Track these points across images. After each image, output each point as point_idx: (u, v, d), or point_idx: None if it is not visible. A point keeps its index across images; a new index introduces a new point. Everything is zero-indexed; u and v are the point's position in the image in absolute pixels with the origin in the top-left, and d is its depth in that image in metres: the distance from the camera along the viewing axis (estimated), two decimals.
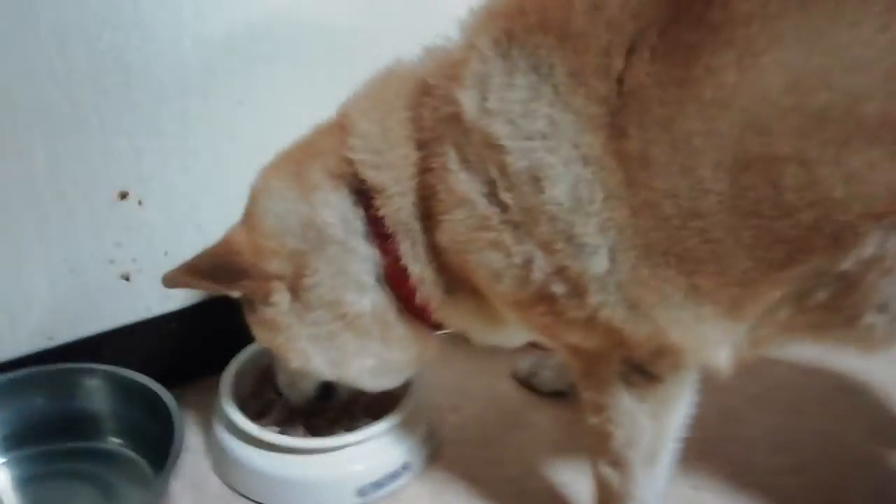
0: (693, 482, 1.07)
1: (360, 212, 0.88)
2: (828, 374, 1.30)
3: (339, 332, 0.93)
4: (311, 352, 0.95)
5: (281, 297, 0.93)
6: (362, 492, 1.05)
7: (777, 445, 1.14)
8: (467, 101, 0.76)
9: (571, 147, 0.72)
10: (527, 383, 1.30)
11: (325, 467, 1.04)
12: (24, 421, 1.10)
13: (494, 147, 0.75)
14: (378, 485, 1.06)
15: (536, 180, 0.73)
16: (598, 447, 0.89)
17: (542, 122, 0.72)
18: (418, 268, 0.87)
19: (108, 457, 1.12)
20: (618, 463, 0.87)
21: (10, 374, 1.09)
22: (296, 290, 0.92)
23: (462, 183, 0.78)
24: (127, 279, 1.18)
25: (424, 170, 0.82)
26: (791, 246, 0.68)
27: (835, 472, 1.09)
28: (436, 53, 0.87)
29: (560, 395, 1.27)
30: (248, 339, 1.04)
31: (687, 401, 0.87)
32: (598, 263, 0.73)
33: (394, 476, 1.07)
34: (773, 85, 0.64)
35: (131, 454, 1.11)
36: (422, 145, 0.83)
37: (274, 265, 0.91)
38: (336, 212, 0.89)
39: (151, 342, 1.21)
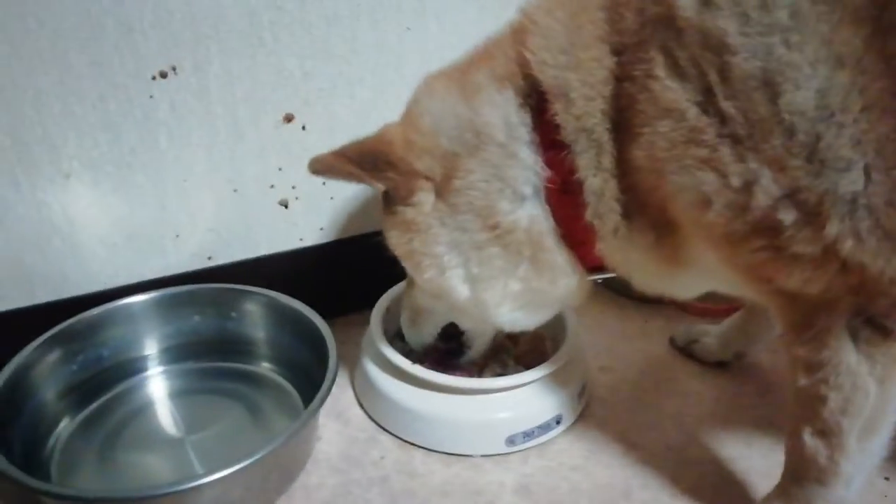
0: (888, 472, 0.95)
1: (527, 117, 0.80)
2: None
3: (485, 243, 0.86)
4: (449, 261, 0.88)
5: (424, 196, 0.87)
6: (511, 440, 0.99)
7: None
8: None
9: (821, 44, 0.61)
10: (686, 350, 1.21)
11: (475, 410, 1.00)
12: (183, 336, 1.12)
13: (717, 47, 0.65)
14: (528, 434, 1.00)
15: (771, 84, 0.63)
16: (805, 413, 0.78)
17: (784, 12, 0.62)
18: (598, 181, 0.78)
19: (259, 380, 1.12)
20: (828, 432, 0.76)
21: (172, 290, 1.11)
22: (443, 193, 0.86)
23: (670, 91, 0.68)
24: (285, 206, 1.17)
25: (623, 77, 0.73)
26: None
27: None
28: None
29: (723, 366, 1.17)
30: (399, 275, 1.00)
31: None
32: (851, 181, 0.63)
33: (544, 428, 1.01)
34: None
35: (282, 380, 1.11)
36: (619, 50, 0.73)
37: (424, 162, 0.85)
38: (499, 112, 0.81)
39: (303, 272, 1.21)
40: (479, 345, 1.06)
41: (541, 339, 1.14)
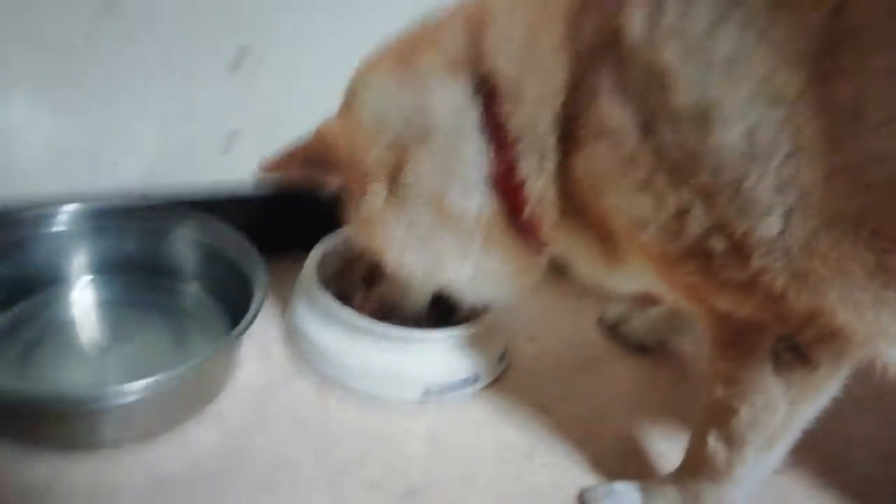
0: (779, 467, 0.98)
1: (478, 106, 0.81)
2: None
3: (438, 230, 0.87)
4: (406, 250, 0.90)
5: (378, 190, 0.87)
6: (427, 391, 1.02)
7: (882, 456, 1.04)
8: (635, 19, 0.66)
9: (758, 83, 0.61)
10: (612, 331, 1.24)
11: (395, 357, 1.01)
12: (117, 250, 1.12)
13: (659, 74, 0.65)
14: (444, 388, 1.02)
15: (704, 118, 0.63)
16: (714, 419, 0.80)
17: (727, 47, 0.62)
18: (540, 184, 0.79)
19: (188, 298, 1.13)
20: (732, 440, 0.79)
21: (109, 203, 1.11)
22: (394, 183, 0.86)
23: (614, 110, 0.68)
24: (230, 142, 1.17)
25: (574, 87, 0.73)
26: None
27: None
28: None
29: (644, 350, 1.21)
30: (340, 221, 1.01)
31: (832, 392, 0.77)
32: (768, 225, 0.63)
33: (460, 384, 1.04)
34: None
35: (210, 301, 1.12)
36: (575, 61, 0.74)
37: (371, 156, 0.85)
38: (449, 101, 0.81)
39: (245, 211, 1.20)
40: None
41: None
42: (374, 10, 1.13)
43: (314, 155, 0.88)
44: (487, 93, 0.79)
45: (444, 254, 0.89)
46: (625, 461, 0.99)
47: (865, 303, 0.64)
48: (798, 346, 0.72)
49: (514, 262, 0.90)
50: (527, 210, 0.82)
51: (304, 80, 1.16)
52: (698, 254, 0.69)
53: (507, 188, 0.82)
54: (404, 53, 0.86)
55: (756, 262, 0.65)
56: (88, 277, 1.12)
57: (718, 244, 0.67)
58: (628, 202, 0.71)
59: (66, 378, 0.96)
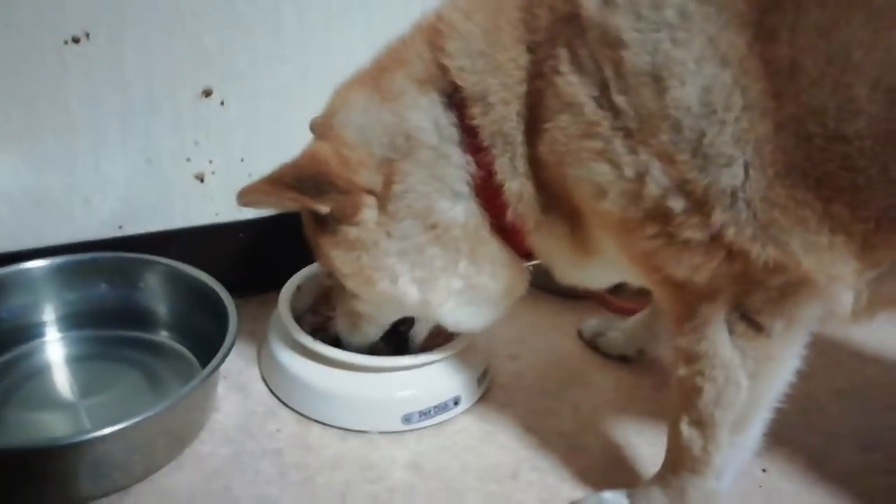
0: (765, 464, 0.98)
1: (454, 117, 0.82)
2: None
3: (427, 244, 0.86)
4: (399, 270, 0.88)
5: (370, 212, 0.86)
6: (408, 418, 1.01)
7: (865, 445, 1.04)
8: None
9: (706, 43, 0.64)
10: (592, 343, 1.24)
11: (372, 387, 1.01)
12: (85, 304, 1.12)
13: (612, 42, 0.68)
14: (424, 413, 1.02)
15: (659, 80, 0.66)
16: (683, 403, 0.81)
17: (672, 11, 0.65)
18: (516, 184, 0.81)
19: (160, 349, 1.13)
20: (702, 423, 0.79)
21: (78, 256, 1.11)
22: (384, 202, 0.86)
23: (571, 86, 0.71)
24: (201, 180, 1.18)
25: (534, 75, 0.75)
26: None
27: None
28: None
29: (625, 360, 1.21)
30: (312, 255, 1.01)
31: (791, 366, 0.78)
32: (731, 176, 0.66)
33: (441, 408, 1.03)
34: None
35: (183, 349, 1.12)
36: (533, 48, 0.76)
37: (363, 176, 0.84)
38: (426, 116, 0.82)
39: (217, 247, 1.21)
40: (420, 338, 1.07)
41: None
42: (333, 33, 1.17)
43: (306, 176, 0.84)
44: (458, 103, 0.81)
45: (434, 270, 0.88)
46: (612, 471, 0.98)
47: (822, 246, 0.67)
48: (751, 313, 0.74)
49: (502, 273, 0.90)
50: (509, 213, 0.83)
51: (268, 112, 1.18)
52: (658, 215, 0.71)
53: (488, 194, 0.83)
54: (376, 72, 0.87)
55: (718, 217, 0.68)
56: (59, 334, 1.11)
57: (678, 203, 0.69)
58: (588, 172, 0.73)
59: (40, 432, 0.95)
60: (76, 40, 1.01)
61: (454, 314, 0.94)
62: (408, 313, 1.00)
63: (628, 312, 1.29)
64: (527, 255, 0.90)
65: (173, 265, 1.11)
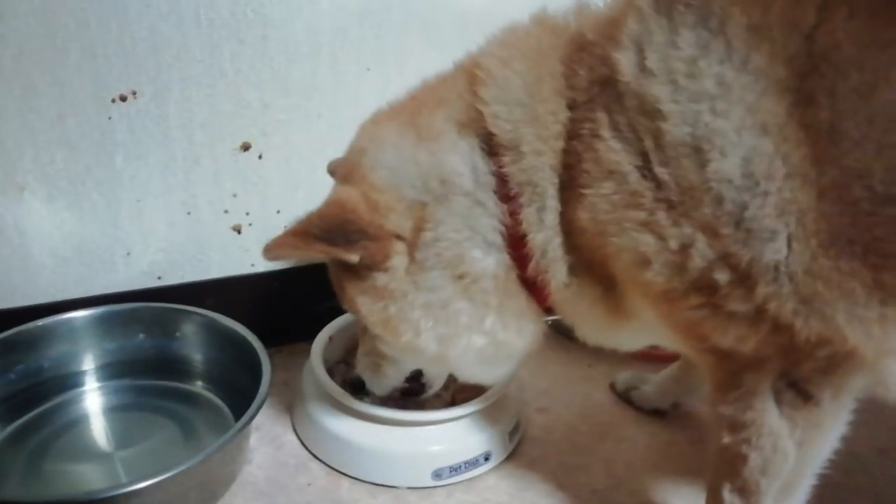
0: None
1: (490, 164, 0.79)
2: None
3: (451, 299, 0.83)
4: (423, 324, 0.84)
5: (399, 259, 0.83)
6: (438, 474, 1.00)
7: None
8: (623, 62, 0.68)
9: (746, 112, 0.63)
10: (625, 396, 1.22)
11: (403, 442, 1.01)
12: (123, 353, 1.14)
13: (651, 112, 0.67)
14: (455, 469, 1.01)
15: (699, 151, 0.65)
16: (725, 470, 0.78)
17: (710, 81, 0.64)
18: (540, 238, 0.79)
19: (195, 399, 1.14)
20: (747, 491, 0.77)
21: (118, 307, 1.13)
22: (413, 248, 0.82)
23: (612, 153, 0.70)
24: (238, 232, 1.20)
25: (572, 134, 0.74)
26: None
27: None
28: (589, 9, 0.79)
29: (659, 414, 1.19)
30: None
31: (839, 433, 0.76)
32: (774, 251, 0.64)
33: (472, 463, 1.02)
34: None
35: (218, 401, 1.13)
36: (573, 106, 0.75)
37: (392, 221, 0.81)
38: (465, 160, 0.80)
39: (252, 298, 1.23)
40: (437, 384, 1.06)
41: None
42: (365, 87, 1.19)
43: (334, 226, 0.81)
44: (492, 150, 0.80)
45: (459, 327, 0.85)
46: None
47: (871, 320, 0.64)
48: (799, 383, 0.72)
49: (528, 329, 0.88)
50: (531, 266, 0.80)
51: (304, 165, 1.20)
52: (703, 287, 0.69)
53: (514, 243, 0.82)
54: (413, 110, 0.85)
55: (762, 290, 0.66)
56: (97, 383, 1.13)
57: (723, 275, 0.67)
58: (631, 243, 0.71)
59: (76, 485, 0.96)
60: (123, 98, 1.05)
61: (470, 369, 0.93)
62: (427, 363, 0.99)
63: (666, 360, 1.27)
64: (547, 310, 0.89)
65: (209, 315, 1.13)
